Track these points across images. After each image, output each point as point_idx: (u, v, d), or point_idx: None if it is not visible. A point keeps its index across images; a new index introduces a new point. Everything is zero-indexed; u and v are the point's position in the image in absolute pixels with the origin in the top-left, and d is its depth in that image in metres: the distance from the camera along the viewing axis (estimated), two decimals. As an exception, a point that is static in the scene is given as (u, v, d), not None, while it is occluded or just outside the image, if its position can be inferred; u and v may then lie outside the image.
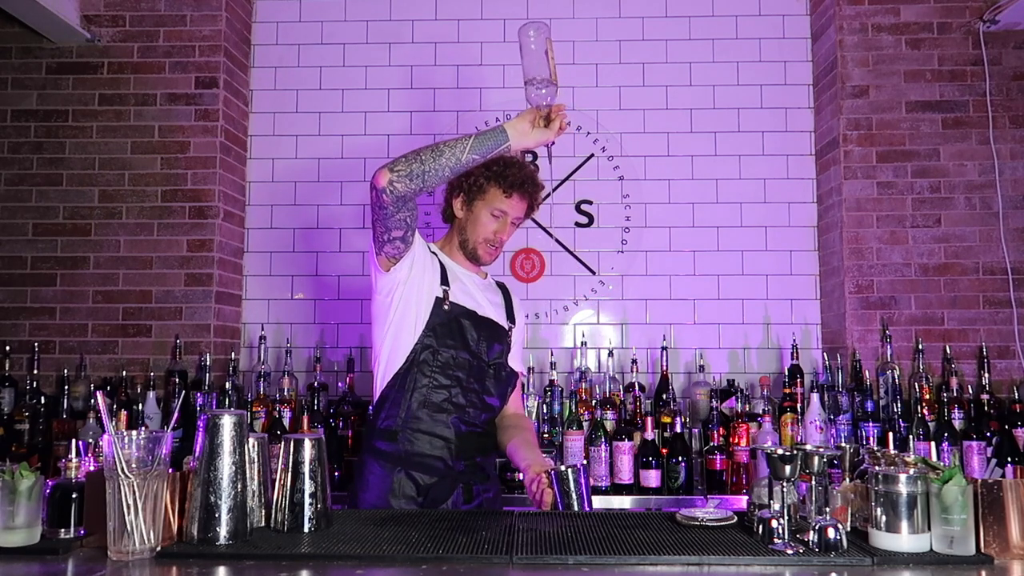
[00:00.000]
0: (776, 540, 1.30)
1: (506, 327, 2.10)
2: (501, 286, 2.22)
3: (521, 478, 2.10)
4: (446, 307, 1.95)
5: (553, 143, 1.87)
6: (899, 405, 2.78)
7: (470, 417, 1.96)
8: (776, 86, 3.36)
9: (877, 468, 1.33)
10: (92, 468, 1.41)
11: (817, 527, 1.28)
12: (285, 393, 3.02)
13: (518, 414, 2.16)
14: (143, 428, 2.07)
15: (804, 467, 1.33)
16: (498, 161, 1.97)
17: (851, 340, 3.01)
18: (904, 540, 1.27)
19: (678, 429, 2.79)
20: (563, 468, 1.74)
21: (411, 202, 1.83)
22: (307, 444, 1.45)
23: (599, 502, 2.68)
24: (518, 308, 2.21)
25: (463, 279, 2.07)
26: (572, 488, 1.73)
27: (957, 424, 2.78)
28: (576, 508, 1.70)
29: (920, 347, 2.95)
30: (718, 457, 2.76)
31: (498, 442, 2.08)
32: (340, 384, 3.16)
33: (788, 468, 1.32)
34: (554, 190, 3.33)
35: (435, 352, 1.93)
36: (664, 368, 3.09)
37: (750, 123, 3.35)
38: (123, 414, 2.69)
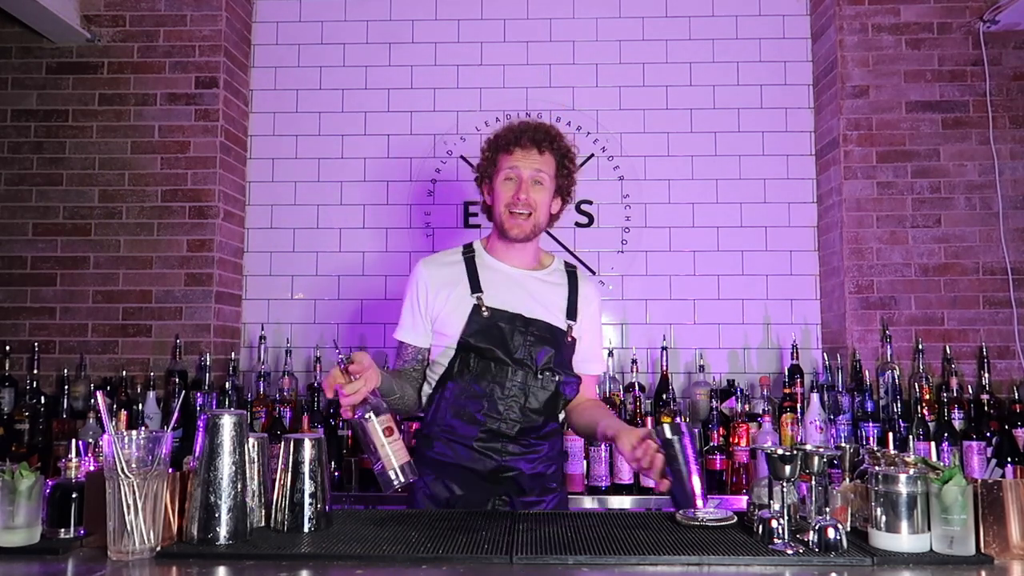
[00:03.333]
0: (776, 540, 1.30)
1: (562, 327, 1.89)
2: (570, 274, 1.99)
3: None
4: (485, 313, 1.83)
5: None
6: (899, 405, 2.78)
7: (505, 429, 1.82)
8: (776, 86, 3.36)
9: (877, 468, 1.33)
10: (92, 468, 1.41)
11: (817, 527, 1.28)
12: (285, 393, 3.02)
13: (591, 399, 2.01)
14: (143, 428, 2.07)
15: (804, 467, 1.33)
16: (499, 130, 1.96)
17: (851, 340, 3.00)
18: (904, 540, 1.27)
19: (678, 429, 2.78)
20: (668, 433, 1.56)
21: (418, 400, 1.95)
22: (307, 444, 1.45)
23: (598, 502, 2.69)
24: (587, 299, 1.96)
25: (503, 274, 1.91)
26: (679, 452, 1.55)
27: (957, 424, 2.78)
28: (684, 475, 1.55)
29: (920, 347, 2.95)
30: (718, 457, 2.76)
31: (573, 427, 1.98)
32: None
33: (788, 468, 1.32)
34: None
35: (471, 361, 1.83)
36: (664, 368, 3.09)
37: (750, 123, 3.35)
38: (123, 414, 2.67)
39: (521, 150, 1.89)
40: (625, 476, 2.72)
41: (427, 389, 1.93)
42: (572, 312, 1.92)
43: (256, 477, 1.44)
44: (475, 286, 1.88)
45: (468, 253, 1.96)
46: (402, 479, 1.51)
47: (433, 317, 1.90)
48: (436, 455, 1.86)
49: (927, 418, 2.77)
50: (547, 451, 1.89)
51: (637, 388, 3.01)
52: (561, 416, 1.99)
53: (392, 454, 1.51)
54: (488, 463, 1.82)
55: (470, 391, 1.83)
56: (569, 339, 1.91)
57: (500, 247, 1.95)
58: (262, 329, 3.21)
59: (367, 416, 1.53)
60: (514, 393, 1.83)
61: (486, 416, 1.82)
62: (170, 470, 1.33)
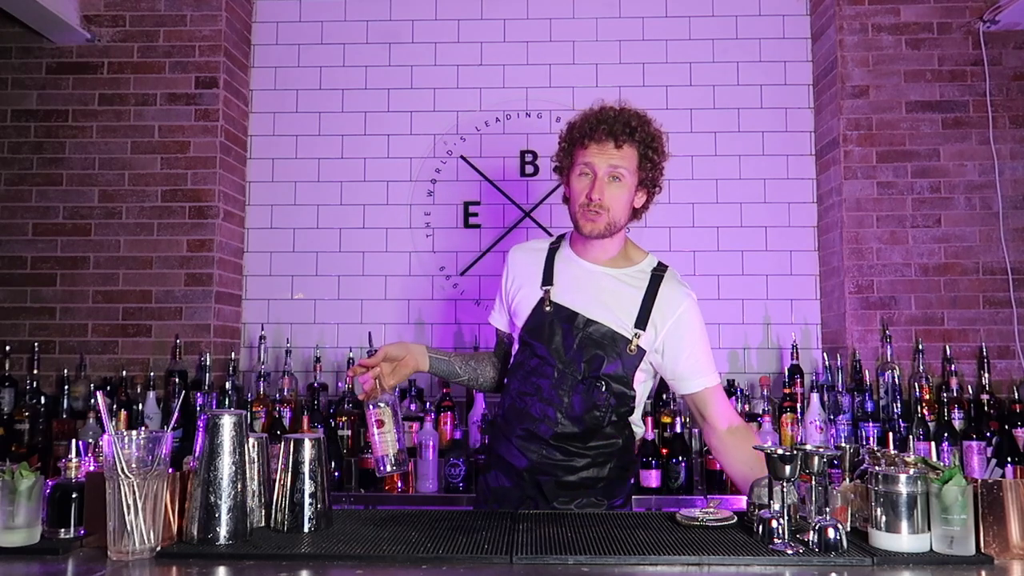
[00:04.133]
0: (776, 540, 1.30)
1: (626, 334, 1.73)
2: (655, 276, 1.80)
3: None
4: (547, 308, 1.76)
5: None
6: (899, 405, 2.78)
7: (540, 432, 1.74)
8: (776, 86, 3.36)
9: (877, 468, 1.33)
10: (92, 468, 1.41)
11: (817, 527, 1.28)
12: (285, 393, 3.02)
13: (736, 432, 1.78)
14: (143, 428, 2.07)
15: (804, 467, 1.33)
16: (577, 116, 1.81)
17: (851, 340, 3.00)
18: (904, 540, 1.27)
19: (678, 429, 2.79)
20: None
21: (497, 377, 2.00)
22: (307, 444, 1.45)
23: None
24: (668, 307, 1.76)
25: (579, 270, 1.81)
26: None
27: (957, 424, 2.78)
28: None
29: (920, 347, 2.95)
30: (718, 457, 2.76)
31: (736, 481, 1.80)
32: (340, 384, 3.16)
33: (788, 468, 1.32)
34: (554, 190, 3.33)
35: (526, 356, 1.78)
36: (664, 368, 3.09)
37: (750, 123, 3.35)
38: (123, 414, 2.70)
39: (596, 144, 1.73)
40: (625, 476, 2.72)
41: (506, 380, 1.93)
42: (643, 320, 1.74)
43: (256, 477, 1.44)
44: (547, 279, 1.80)
45: (555, 244, 1.88)
46: (381, 467, 1.67)
47: (511, 306, 1.88)
48: (495, 444, 1.89)
49: (927, 418, 2.77)
50: (592, 463, 1.76)
51: (637, 388, 3.01)
52: (639, 430, 1.87)
53: (378, 444, 1.67)
54: (522, 461, 1.78)
55: (521, 387, 1.79)
56: (632, 349, 1.73)
57: (579, 240, 1.83)
58: (262, 329, 3.21)
59: (368, 406, 1.68)
60: (556, 396, 1.74)
61: (526, 415, 1.77)
62: (170, 470, 1.33)
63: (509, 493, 1.80)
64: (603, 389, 1.73)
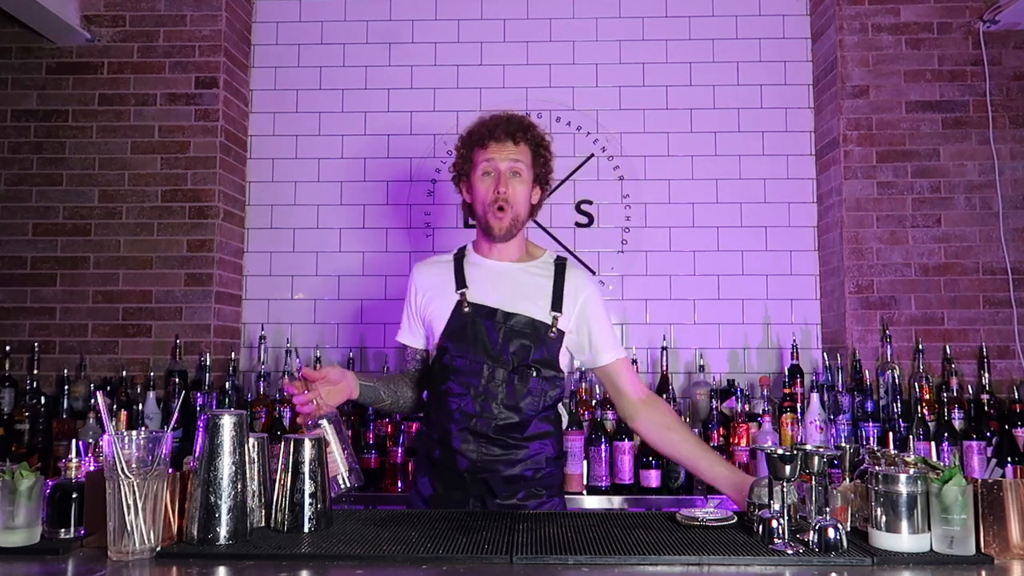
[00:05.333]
0: (776, 540, 1.30)
1: (546, 320, 1.84)
2: (558, 265, 1.93)
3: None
4: (466, 309, 1.84)
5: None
6: (899, 405, 2.78)
7: (481, 427, 1.79)
8: (776, 86, 3.36)
9: (877, 468, 1.33)
10: (92, 468, 1.41)
11: (817, 527, 1.28)
12: (285, 393, 3.01)
13: (650, 403, 1.90)
14: (143, 428, 2.07)
15: (804, 467, 1.33)
16: (472, 125, 1.94)
17: (851, 340, 3.00)
18: (904, 540, 1.27)
19: (678, 429, 2.78)
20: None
21: (417, 398, 2.00)
22: (307, 444, 1.45)
23: (598, 502, 2.69)
24: (575, 290, 1.89)
25: (488, 270, 1.91)
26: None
27: (957, 424, 2.78)
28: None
29: (920, 347, 2.95)
30: (718, 457, 2.76)
31: (657, 447, 1.90)
32: (340, 384, 3.15)
33: (788, 468, 1.32)
34: (554, 190, 3.33)
35: (451, 358, 1.83)
36: (664, 368, 3.09)
37: (750, 123, 3.35)
38: (123, 414, 2.68)
39: (496, 143, 1.87)
40: (625, 476, 2.72)
41: (425, 388, 1.97)
42: (557, 303, 1.87)
43: (256, 477, 1.44)
44: (460, 283, 1.89)
45: (459, 255, 1.99)
46: (336, 487, 1.61)
47: (424, 320, 1.94)
48: (425, 453, 1.90)
49: (927, 418, 2.77)
50: (532, 453, 1.83)
51: (637, 388, 3.01)
52: (564, 419, 1.98)
53: (327, 464, 1.59)
54: (464, 461, 1.81)
55: (448, 388, 1.83)
56: (553, 332, 1.85)
57: (485, 244, 1.95)
58: (262, 329, 3.21)
59: (307, 427, 1.65)
60: (491, 390, 1.81)
61: (462, 414, 1.81)
62: (170, 470, 1.33)
63: (450, 496, 1.83)
64: (535, 375, 1.82)
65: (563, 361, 1.90)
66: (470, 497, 1.81)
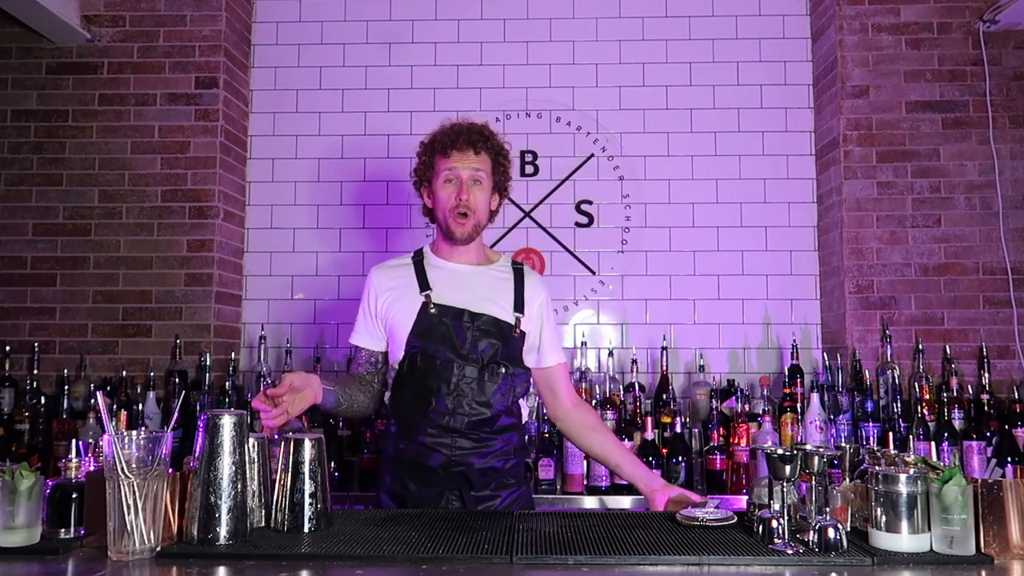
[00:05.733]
0: (776, 540, 1.30)
1: (510, 320, 1.92)
2: (516, 270, 2.03)
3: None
4: (432, 310, 1.88)
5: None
6: (899, 405, 2.78)
7: (455, 423, 1.85)
8: (776, 86, 3.36)
9: (877, 468, 1.33)
10: (92, 468, 1.41)
11: (817, 527, 1.28)
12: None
13: (580, 406, 2.06)
14: (143, 428, 2.07)
15: (804, 467, 1.33)
16: (434, 133, 2.00)
17: (851, 340, 3.00)
18: (904, 540, 1.27)
19: (678, 429, 2.79)
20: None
21: (372, 403, 2.02)
22: (307, 444, 1.45)
23: (598, 502, 2.69)
24: (533, 293, 1.99)
25: (451, 272, 1.96)
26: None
27: (957, 424, 2.78)
28: None
29: (920, 347, 2.95)
30: (718, 457, 2.76)
31: (579, 443, 2.05)
32: (340, 384, 3.16)
33: (788, 468, 1.32)
34: (554, 190, 3.33)
35: (420, 358, 1.87)
36: (664, 368, 3.09)
37: (750, 123, 3.35)
38: (123, 414, 2.68)
39: (458, 152, 1.94)
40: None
41: (390, 389, 1.97)
42: (519, 305, 1.95)
43: (256, 477, 1.44)
44: (423, 285, 1.93)
45: (417, 257, 2.02)
46: None
47: (386, 322, 1.95)
48: (393, 452, 1.92)
49: (927, 418, 2.77)
50: (501, 446, 1.91)
51: (637, 388, 3.01)
52: (524, 413, 2.04)
53: None
54: (438, 457, 1.85)
55: (420, 387, 1.87)
56: (517, 332, 1.93)
57: (445, 248, 1.99)
58: (262, 329, 3.21)
59: (276, 438, 1.61)
60: (462, 387, 1.86)
61: (434, 412, 1.85)
62: (170, 470, 1.33)
63: (423, 494, 1.87)
64: (504, 372, 1.90)
65: (527, 359, 1.99)
66: (445, 491, 1.86)
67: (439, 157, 1.96)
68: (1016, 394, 2.82)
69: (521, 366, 1.96)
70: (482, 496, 1.88)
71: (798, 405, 2.91)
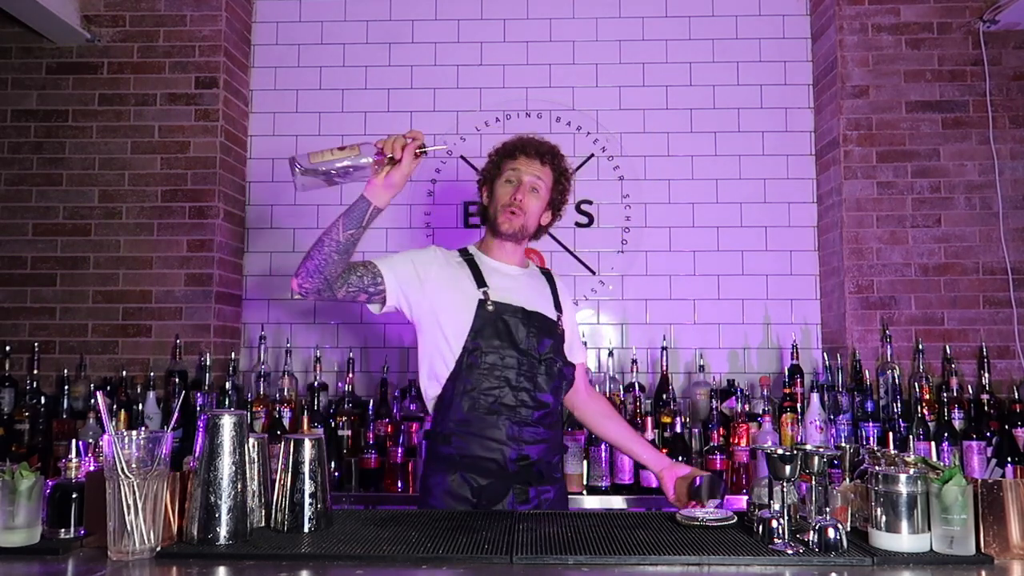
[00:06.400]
0: (776, 540, 1.30)
1: (554, 318, 2.03)
2: (546, 273, 2.16)
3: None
4: (489, 307, 1.92)
5: (425, 155, 1.82)
6: (899, 405, 2.78)
7: (521, 417, 1.91)
8: (776, 86, 3.36)
9: (877, 468, 1.33)
10: (92, 468, 1.41)
11: (817, 527, 1.28)
12: (285, 393, 3.02)
13: (594, 395, 2.21)
14: (143, 428, 2.07)
15: (804, 467, 1.33)
16: (507, 140, 2.09)
17: (851, 340, 3.00)
18: (904, 540, 1.27)
19: (678, 429, 2.79)
20: (698, 485, 1.80)
21: (338, 285, 1.86)
22: (307, 444, 1.45)
23: (598, 502, 2.69)
24: (564, 294, 2.13)
25: (502, 273, 2.02)
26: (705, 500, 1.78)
27: (957, 424, 2.78)
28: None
29: (920, 347, 2.95)
30: (718, 457, 2.76)
31: (595, 430, 2.21)
32: (340, 384, 3.16)
33: (788, 468, 1.32)
34: (554, 190, 3.33)
35: (481, 354, 1.90)
36: (664, 368, 3.09)
37: (750, 123, 3.35)
38: (123, 414, 2.70)
39: (525, 157, 2.03)
40: (625, 476, 2.72)
41: (434, 389, 1.96)
42: (558, 305, 2.08)
43: (256, 477, 1.45)
44: (480, 282, 1.97)
45: (467, 256, 2.06)
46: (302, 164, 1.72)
47: (424, 299, 1.94)
48: (454, 450, 1.90)
49: (927, 418, 2.77)
50: (554, 438, 2.00)
51: (637, 388, 3.01)
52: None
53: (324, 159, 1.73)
54: (508, 451, 1.89)
55: (483, 384, 1.90)
56: (560, 330, 2.04)
57: (495, 247, 2.06)
58: (262, 329, 3.21)
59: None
60: (524, 382, 1.92)
61: (501, 406, 1.90)
62: (170, 470, 1.33)
63: (489, 490, 1.88)
64: (558, 367, 1.99)
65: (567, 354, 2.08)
66: (512, 486, 1.89)
67: (506, 160, 2.05)
68: (1016, 394, 2.82)
69: (568, 362, 2.04)
70: (542, 489, 1.94)
71: (798, 405, 2.91)
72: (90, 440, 2.40)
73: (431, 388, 1.97)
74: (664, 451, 2.75)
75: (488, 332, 1.91)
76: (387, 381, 3.09)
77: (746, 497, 1.57)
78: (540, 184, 2.02)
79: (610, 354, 3.16)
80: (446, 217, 3.36)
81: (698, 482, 1.82)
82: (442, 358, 1.94)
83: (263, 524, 1.46)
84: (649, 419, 2.79)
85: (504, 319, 1.92)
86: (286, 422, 2.93)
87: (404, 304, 1.96)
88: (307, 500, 1.42)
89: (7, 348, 3.02)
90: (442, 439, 1.92)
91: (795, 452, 1.33)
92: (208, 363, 2.96)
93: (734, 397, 2.91)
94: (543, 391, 1.95)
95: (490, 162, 2.10)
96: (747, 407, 2.89)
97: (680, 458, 2.73)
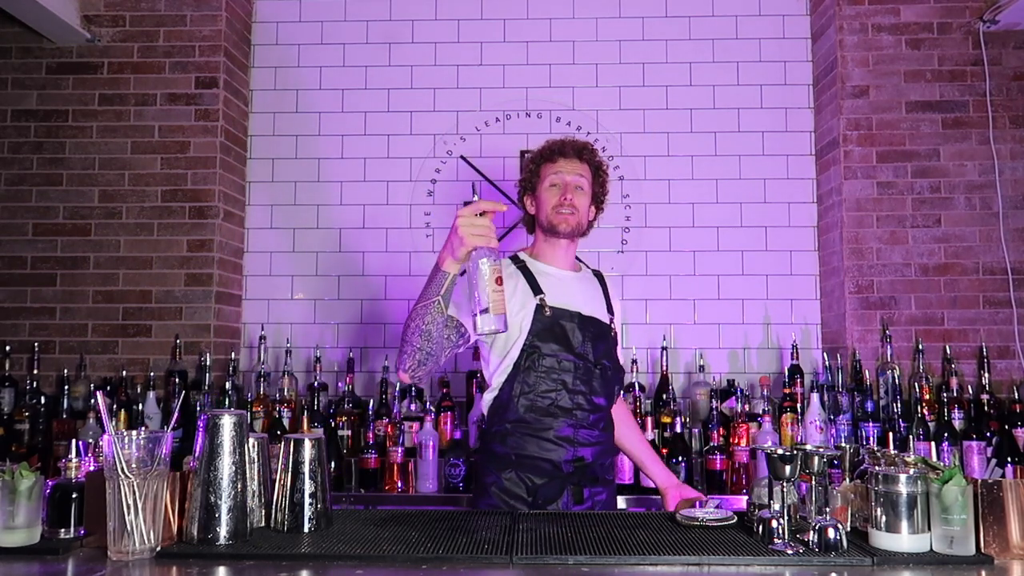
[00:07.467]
0: (776, 540, 1.30)
1: (607, 321, 2.06)
2: (597, 275, 2.18)
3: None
4: (547, 312, 1.95)
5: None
6: (899, 405, 2.78)
7: (578, 420, 1.94)
8: (776, 86, 3.36)
9: (877, 468, 1.33)
10: (92, 468, 1.41)
11: (817, 527, 1.28)
12: (285, 393, 3.02)
13: (619, 401, 2.18)
14: (143, 428, 2.07)
15: (804, 467, 1.33)
16: (541, 146, 2.12)
17: (851, 340, 3.00)
18: (904, 540, 1.27)
19: (678, 429, 2.79)
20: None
21: (441, 356, 1.82)
22: (307, 444, 1.45)
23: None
24: (615, 296, 2.15)
25: (556, 278, 2.04)
26: None
27: (957, 424, 2.78)
28: None
29: (920, 347, 2.95)
30: (718, 457, 2.76)
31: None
32: (340, 384, 3.16)
33: (788, 468, 1.32)
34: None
35: (539, 357, 1.93)
36: (664, 368, 3.09)
37: (750, 123, 3.35)
38: (123, 414, 2.70)
39: (564, 159, 2.06)
40: (625, 476, 2.72)
41: (491, 392, 1.99)
42: (610, 308, 2.10)
43: (256, 477, 1.44)
44: (536, 288, 1.99)
45: (519, 263, 2.06)
46: (494, 326, 1.54)
47: None
48: (510, 450, 1.93)
49: (927, 418, 2.77)
50: (607, 441, 2.03)
51: (637, 388, 3.01)
52: None
53: (498, 301, 1.54)
54: (563, 453, 1.92)
55: (541, 386, 1.93)
56: (613, 333, 2.07)
57: (547, 252, 2.08)
58: (262, 329, 3.21)
59: (488, 258, 1.56)
60: (580, 385, 1.95)
61: (558, 408, 1.93)
62: (169, 470, 1.33)
63: (545, 489, 1.90)
64: (613, 369, 2.02)
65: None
66: (567, 486, 1.92)
67: (545, 164, 2.07)
68: (1016, 394, 2.82)
69: (619, 367, 2.08)
70: (595, 490, 1.96)
71: (798, 405, 2.91)
72: (90, 440, 2.40)
73: (488, 391, 2.00)
74: (664, 451, 2.76)
75: (545, 336, 1.94)
76: (387, 381, 3.09)
77: (746, 497, 1.56)
78: (583, 181, 2.06)
79: (610, 354, 3.16)
80: (446, 217, 3.35)
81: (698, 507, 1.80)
82: (500, 362, 1.97)
83: (263, 524, 1.46)
84: (649, 419, 2.79)
85: (561, 324, 1.95)
86: (286, 422, 2.93)
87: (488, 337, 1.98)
88: (307, 500, 1.42)
89: (7, 348, 3.02)
90: (498, 438, 1.95)
91: (795, 452, 1.33)
92: (208, 363, 2.96)
93: (734, 397, 2.91)
94: (598, 394, 1.98)
95: (528, 171, 2.12)
96: (747, 407, 2.89)
97: (680, 458, 2.73)
